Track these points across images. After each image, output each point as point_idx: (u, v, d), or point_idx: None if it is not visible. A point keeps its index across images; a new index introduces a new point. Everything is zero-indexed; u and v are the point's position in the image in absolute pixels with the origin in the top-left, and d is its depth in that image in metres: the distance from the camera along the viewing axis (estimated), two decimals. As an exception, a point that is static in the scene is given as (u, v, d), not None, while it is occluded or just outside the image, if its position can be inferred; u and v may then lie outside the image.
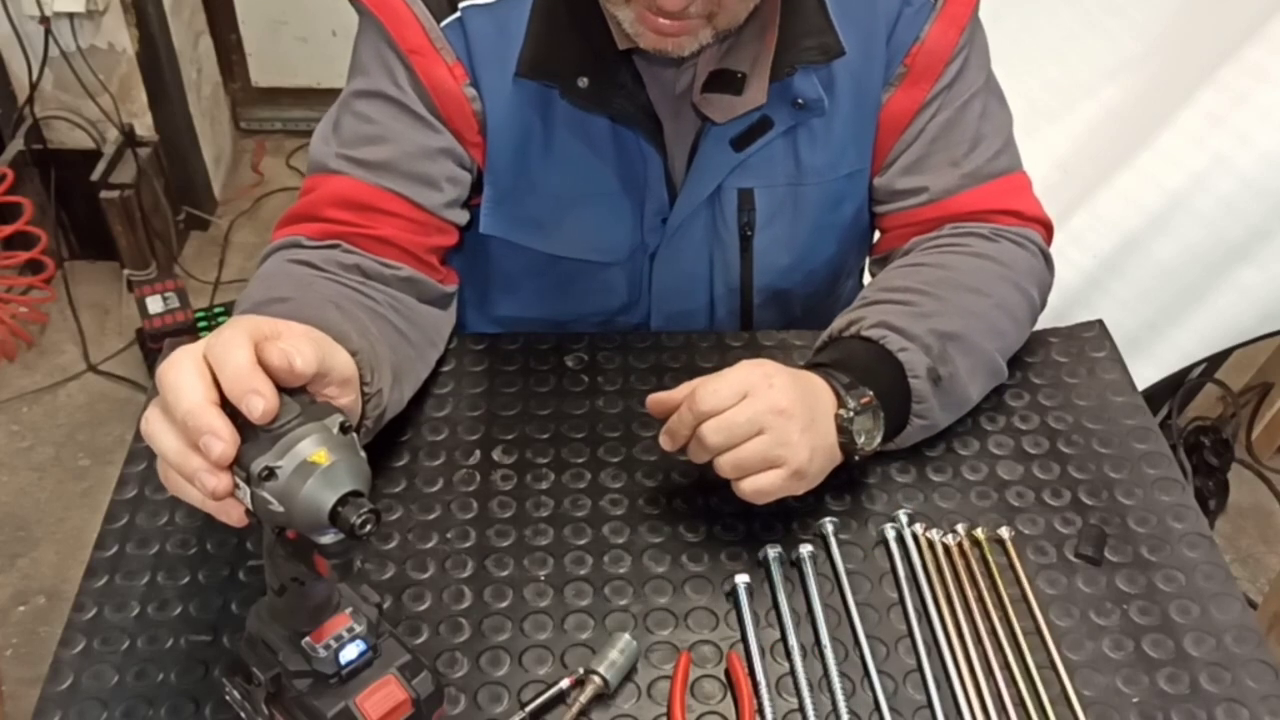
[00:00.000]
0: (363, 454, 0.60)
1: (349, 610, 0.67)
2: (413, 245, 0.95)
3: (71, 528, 2.03)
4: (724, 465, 0.80)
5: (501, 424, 0.97)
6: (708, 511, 0.89)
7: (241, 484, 0.58)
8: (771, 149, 0.99)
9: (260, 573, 0.83)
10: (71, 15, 2.23)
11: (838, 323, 0.93)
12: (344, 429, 0.59)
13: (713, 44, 0.88)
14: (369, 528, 0.58)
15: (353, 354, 0.72)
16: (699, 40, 0.85)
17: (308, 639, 0.66)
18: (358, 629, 0.67)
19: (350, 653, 0.66)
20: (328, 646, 0.66)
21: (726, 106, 0.94)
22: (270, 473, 0.57)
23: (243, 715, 0.71)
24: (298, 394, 0.61)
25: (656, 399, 0.85)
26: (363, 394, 0.75)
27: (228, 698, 0.72)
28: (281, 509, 0.57)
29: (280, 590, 0.65)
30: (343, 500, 0.57)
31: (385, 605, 0.74)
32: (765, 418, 0.78)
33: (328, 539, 0.59)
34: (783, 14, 0.92)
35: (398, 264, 0.94)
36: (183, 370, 0.59)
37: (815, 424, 0.81)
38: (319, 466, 0.57)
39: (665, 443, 0.84)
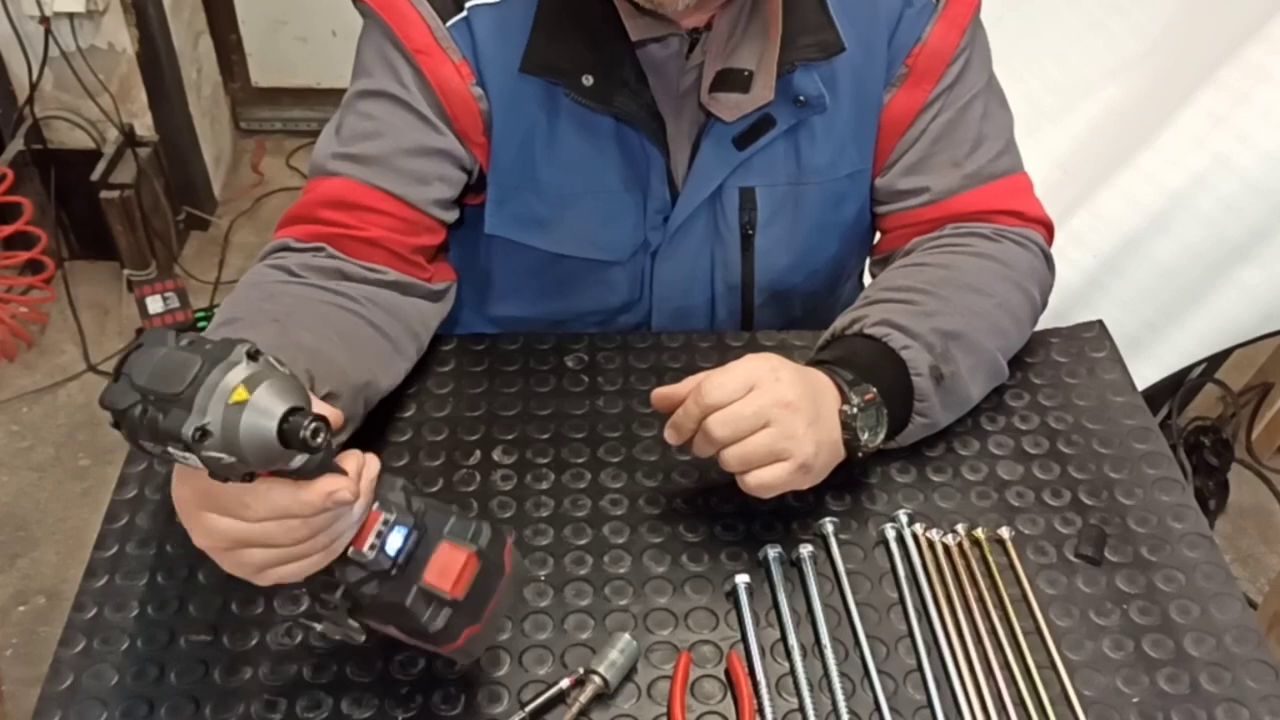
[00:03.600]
0: (285, 369, 0.60)
1: (376, 506, 0.66)
2: (399, 246, 0.95)
3: (71, 528, 2.03)
4: (729, 459, 0.79)
5: (501, 424, 0.97)
6: (708, 511, 0.89)
7: (184, 454, 0.57)
8: (773, 148, 0.99)
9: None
10: (71, 15, 2.23)
11: (840, 321, 0.93)
12: (252, 356, 0.58)
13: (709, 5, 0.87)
14: (321, 436, 0.57)
15: None
16: None
17: (352, 548, 0.65)
18: (391, 517, 0.66)
19: (395, 541, 0.65)
20: (373, 547, 0.65)
21: (735, 105, 0.95)
22: (203, 432, 0.56)
23: (344, 640, 0.69)
24: (196, 345, 0.59)
25: (661, 393, 0.85)
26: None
27: (317, 643, 0.75)
28: (233, 458, 0.56)
29: None
30: (284, 421, 0.57)
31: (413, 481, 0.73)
32: (771, 411, 0.78)
33: (297, 463, 0.59)
34: (783, 12, 0.92)
35: (382, 268, 0.94)
36: (262, 500, 0.61)
37: (820, 418, 0.81)
38: (244, 404, 0.56)
39: (670, 437, 0.83)
